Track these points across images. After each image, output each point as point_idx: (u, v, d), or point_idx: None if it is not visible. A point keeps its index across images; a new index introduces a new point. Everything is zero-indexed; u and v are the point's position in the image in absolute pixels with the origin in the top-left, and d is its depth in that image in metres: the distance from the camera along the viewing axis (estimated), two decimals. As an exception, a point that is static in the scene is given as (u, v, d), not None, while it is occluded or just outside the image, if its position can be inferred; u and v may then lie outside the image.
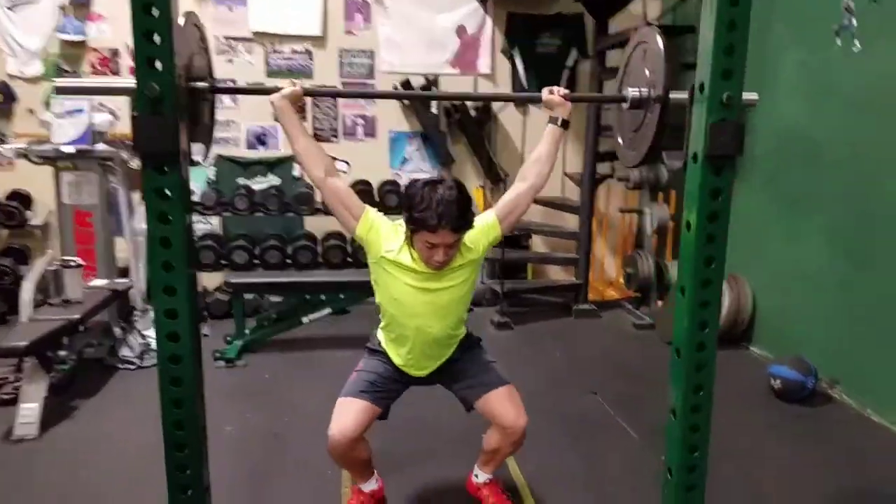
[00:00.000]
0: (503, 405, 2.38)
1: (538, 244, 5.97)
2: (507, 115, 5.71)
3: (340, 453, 2.30)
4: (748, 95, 1.70)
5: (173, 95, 1.47)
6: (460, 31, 5.62)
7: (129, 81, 1.49)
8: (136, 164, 5.02)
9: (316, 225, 5.41)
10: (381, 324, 2.43)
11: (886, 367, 3.41)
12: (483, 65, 5.69)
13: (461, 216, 2.10)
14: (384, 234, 2.26)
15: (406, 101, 5.53)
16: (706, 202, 1.67)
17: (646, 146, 2.11)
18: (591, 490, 2.79)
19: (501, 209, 2.33)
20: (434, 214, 2.05)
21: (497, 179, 5.66)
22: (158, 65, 1.45)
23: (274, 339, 4.36)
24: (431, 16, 5.56)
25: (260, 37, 5.40)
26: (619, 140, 2.36)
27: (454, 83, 5.59)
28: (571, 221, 5.80)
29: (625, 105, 2.11)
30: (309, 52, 5.50)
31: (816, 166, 3.89)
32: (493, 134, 5.66)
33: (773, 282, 4.32)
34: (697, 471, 1.86)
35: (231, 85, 4.39)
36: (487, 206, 5.68)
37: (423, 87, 5.39)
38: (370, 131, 5.68)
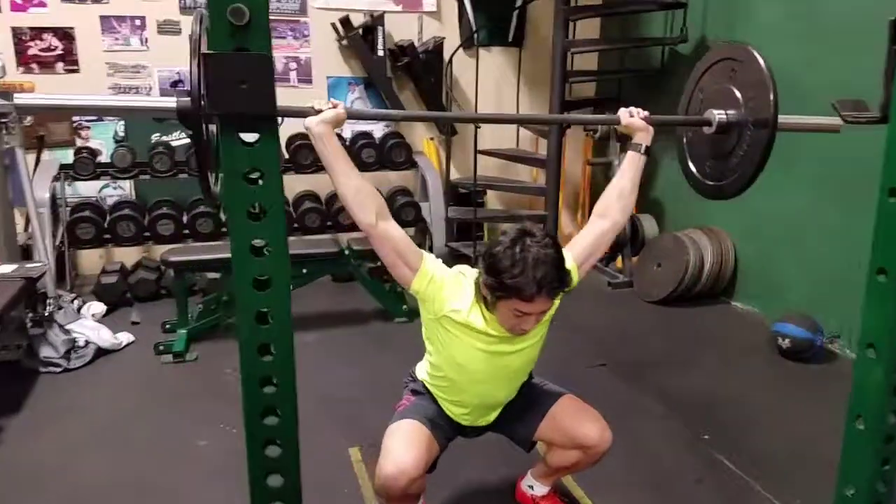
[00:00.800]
0: (577, 421, 2.01)
1: (492, 200, 5.58)
2: (457, 59, 5.20)
3: (395, 496, 1.82)
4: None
5: (266, 21, 0.92)
6: (401, -35, 5.01)
7: None
8: (29, 119, 4.16)
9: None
10: (432, 373, 2.01)
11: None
12: (428, 1, 5.11)
13: (560, 280, 1.69)
14: (448, 289, 1.84)
15: (345, 42, 4.89)
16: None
17: (747, 175, 1.82)
18: (653, 489, 2.48)
19: (580, 253, 1.93)
20: (532, 283, 1.64)
21: (450, 131, 5.18)
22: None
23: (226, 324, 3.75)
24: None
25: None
26: (692, 167, 2.03)
27: (397, 21, 5.00)
28: (524, 174, 5.47)
29: (708, 129, 1.88)
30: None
31: (800, 111, 3.68)
32: (444, 80, 5.13)
33: (755, 233, 4.17)
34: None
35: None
36: (440, 161, 5.29)
37: (366, 26, 4.79)
38: (305, 76, 5.00)
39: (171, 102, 1.19)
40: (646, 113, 1.91)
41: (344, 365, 3.47)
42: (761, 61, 1.77)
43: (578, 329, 3.85)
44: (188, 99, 1.15)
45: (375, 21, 4.77)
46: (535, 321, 1.75)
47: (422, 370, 2.08)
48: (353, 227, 4.76)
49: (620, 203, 1.97)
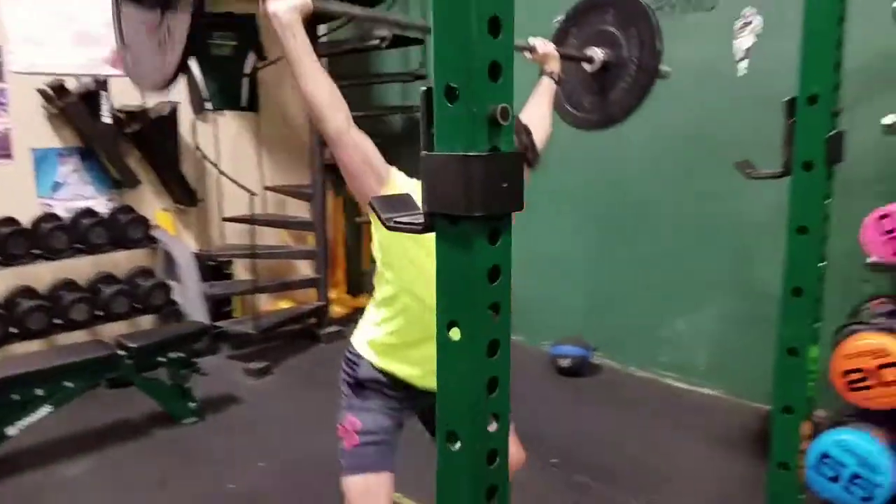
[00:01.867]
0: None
1: (241, 271, 5.24)
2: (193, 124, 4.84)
3: None
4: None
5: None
6: (116, 21, 4.50)
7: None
8: None
9: None
10: (385, 318, 1.81)
11: (633, 330, 4.07)
12: (149, 64, 4.67)
13: (532, 146, 1.70)
14: (416, 192, 1.71)
15: (54, 110, 4.19)
16: (822, 206, 1.74)
17: (626, 108, 2.17)
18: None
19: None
20: None
21: (192, 199, 4.76)
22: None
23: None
24: (76, 5, 4.32)
25: None
26: (568, 107, 2.32)
27: (121, 85, 4.47)
28: (269, 239, 5.28)
29: (590, 67, 2.17)
30: None
31: (563, 165, 4.30)
32: (180, 146, 4.71)
33: (528, 268, 4.67)
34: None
35: None
36: (178, 234, 4.81)
37: (90, 91, 4.20)
38: (3, 150, 4.15)
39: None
40: (552, 45, 2.09)
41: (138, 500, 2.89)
42: (650, 13, 2.10)
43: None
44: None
45: (99, 86, 4.21)
46: None
47: (365, 334, 1.87)
48: (120, 317, 4.12)
49: (542, 125, 2.03)
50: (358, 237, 5.50)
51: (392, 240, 1.69)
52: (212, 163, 4.35)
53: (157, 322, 4.56)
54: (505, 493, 0.96)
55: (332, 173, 4.84)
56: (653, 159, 3.90)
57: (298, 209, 5.40)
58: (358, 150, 1.63)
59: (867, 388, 2.54)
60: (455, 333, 0.92)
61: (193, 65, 4.81)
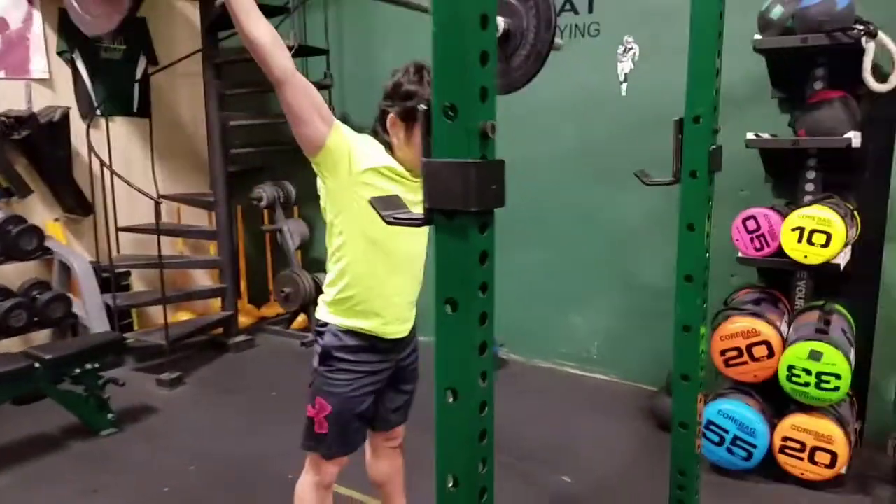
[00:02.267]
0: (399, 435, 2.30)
1: (137, 283, 5.11)
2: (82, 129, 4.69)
3: None
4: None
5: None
6: (0, 25, 4.33)
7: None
8: None
9: None
10: (348, 272, 1.91)
11: (534, 326, 4.40)
12: (37, 67, 4.51)
13: None
14: (362, 143, 1.86)
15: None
16: (706, 207, 2.08)
17: (532, 70, 2.41)
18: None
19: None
20: None
21: (85, 208, 4.63)
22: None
23: None
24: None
25: None
26: None
27: (6, 89, 4.30)
28: (164, 248, 5.18)
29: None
30: None
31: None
32: (71, 153, 4.57)
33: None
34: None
35: None
36: (70, 244, 4.65)
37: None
38: None
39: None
40: None
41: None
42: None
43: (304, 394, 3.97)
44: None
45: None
46: None
47: (325, 298, 1.99)
48: (18, 331, 3.96)
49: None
50: (261, 246, 5.52)
51: (343, 189, 1.82)
52: (111, 170, 4.24)
53: (52, 336, 4.40)
54: (492, 437, 1.16)
55: (233, 183, 4.87)
56: (550, 171, 4.24)
57: (194, 218, 5.36)
58: (307, 91, 1.74)
59: (742, 363, 2.97)
60: (451, 308, 1.12)
61: (82, 68, 4.71)
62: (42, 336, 4.35)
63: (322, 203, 1.95)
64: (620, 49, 3.96)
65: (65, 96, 4.65)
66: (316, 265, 5.24)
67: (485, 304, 1.14)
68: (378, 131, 1.93)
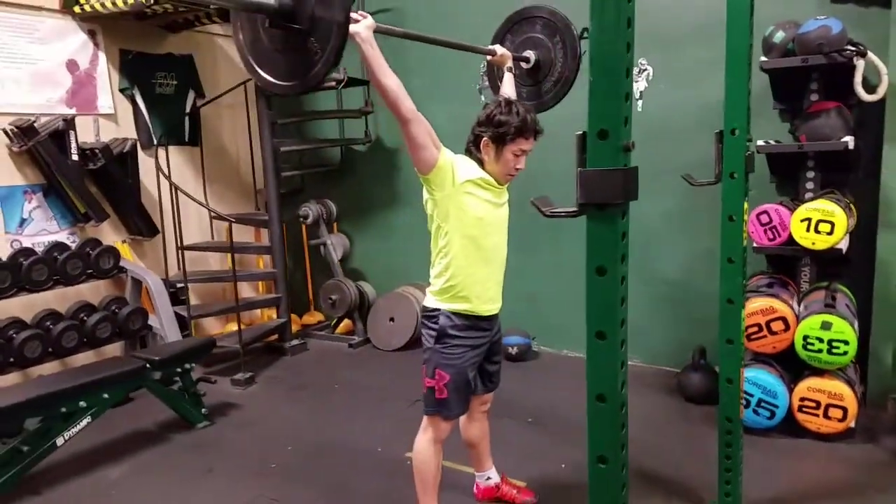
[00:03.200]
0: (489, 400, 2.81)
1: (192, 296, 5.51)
2: (142, 159, 5.12)
3: None
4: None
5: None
6: (71, 65, 4.75)
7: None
8: None
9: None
10: (454, 264, 2.41)
11: (562, 321, 4.83)
12: (104, 104, 4.94)
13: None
14: (461, 161, 2.39)
15: (16, 148, 4.38)
16: (742, 202, 2.57)
17: (562, 92, 3.00)
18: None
19: None
20: (532, 123, 2.37)
21: (151, 230, 5.05)
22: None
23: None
24: (33, 47, 4.54)
25: None
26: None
27: (82, 124, 4.72)
28: (215, 263, 5.62)
29: (526, 65, 3.01)
30: None
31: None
32: (139, 181, 5.00)
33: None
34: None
35: None
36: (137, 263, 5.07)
37: (58, 131, 4.43)
38: (-30, 189, 4.29)
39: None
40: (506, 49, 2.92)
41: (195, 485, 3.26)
42: (562, 14, 2.97)
43: (362, 386, 4.43)
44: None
45: (67, 125, 4.45)
46: (524, 161, 2.41)
47: (433, 289, 2.49)
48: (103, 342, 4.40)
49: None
50: (300, 260, 5.95)
51: (449, 198, 2.34)
52: (186, 194, 4.69)
53: (125, 347, 4.79)
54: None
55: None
56: (568, 183, 4.72)
57: (238, 236, 5.78)
58: (424, 125, 2.26)
59: (762, 337, 3.46)
60: (601, 273, 1.58)
61: (141, 103, 5.16)
62: (116, 348, 4.75)
63: (429, 212, 2.46)
64: (636, 70, 4.48)
65: (126, 129, 5.09)
66: (355, 275, 5.69)
67: (624, 270, 1.60)
68: (472, 151, 2.45)
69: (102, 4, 4.47)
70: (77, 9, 4.58)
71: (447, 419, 2.51)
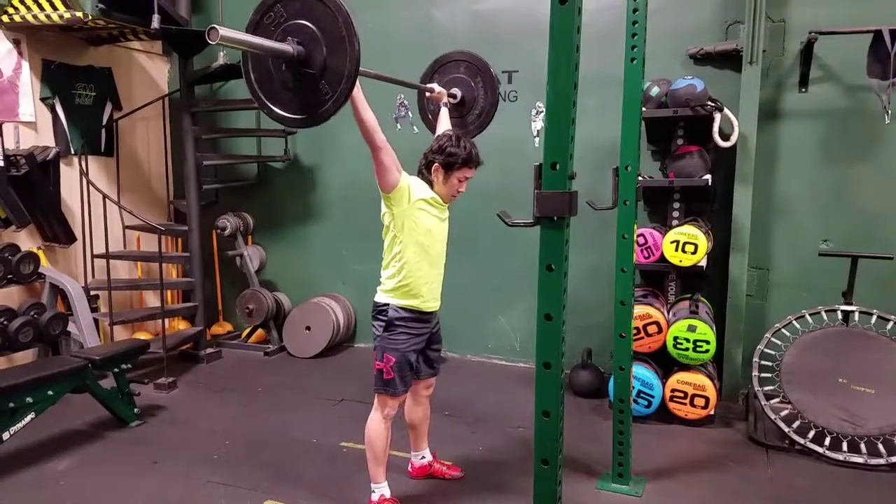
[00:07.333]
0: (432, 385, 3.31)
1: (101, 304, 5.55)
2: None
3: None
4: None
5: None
6: (-7, 72, 4.78)
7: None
8: None
9: None
10: (405, 267, 2.87)
11: (465, 327, 5.42)
12: (25, 111, 4.98)
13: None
14: (416, 183, 2.88)
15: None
16: (633, 224, 3.22)
17: (485, 123, 3.62)
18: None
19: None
20: (476, 155, 2.93)
21: (69, 238, 5.09)
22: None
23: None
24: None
25: None
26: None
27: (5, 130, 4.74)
28: (123, 272, 5.70)
29: (453, 100, 3.56)
30: None
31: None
32: (58, 189, 5.04)
33: (363, 292, 5.77)
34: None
35: None
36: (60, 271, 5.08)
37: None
38: None
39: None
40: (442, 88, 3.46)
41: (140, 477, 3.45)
42: (482, 59, 3.56)
43: (286, 389, 4.73)
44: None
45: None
46: (465, 186, 2.94)
47: (384, 287, 2.94)
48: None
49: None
50: (210, 271, 6.12)
51: (404, 212, 2.82)
52: (116, 203, 4.83)
53: (38, 353, 4.80)
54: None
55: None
56: (481, 200, 5.28)
57: (146, 245, 5.89)
58: (391, 154, 2.75)
59: (640, 339, 4.15)
60: (550, 270, 2.12)
61: (61, 112, 5.23)
62: (24, 356, 4.75)
63: (386, 223, 2.92)
64: (533, 111, 5.15)
65: (46, 137, 5.13)
66: (270, 286, 5.96)
67: (566, 267, 2.14)
68: (423, 173, 2.93)
69: (35, 17, 4.56)
70: (6, 18, 4.63)
71: (394, 396, 2.94)
